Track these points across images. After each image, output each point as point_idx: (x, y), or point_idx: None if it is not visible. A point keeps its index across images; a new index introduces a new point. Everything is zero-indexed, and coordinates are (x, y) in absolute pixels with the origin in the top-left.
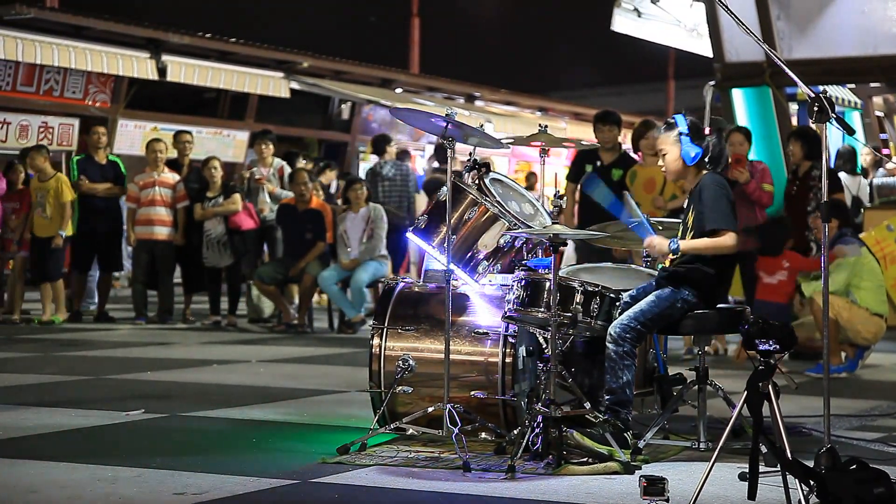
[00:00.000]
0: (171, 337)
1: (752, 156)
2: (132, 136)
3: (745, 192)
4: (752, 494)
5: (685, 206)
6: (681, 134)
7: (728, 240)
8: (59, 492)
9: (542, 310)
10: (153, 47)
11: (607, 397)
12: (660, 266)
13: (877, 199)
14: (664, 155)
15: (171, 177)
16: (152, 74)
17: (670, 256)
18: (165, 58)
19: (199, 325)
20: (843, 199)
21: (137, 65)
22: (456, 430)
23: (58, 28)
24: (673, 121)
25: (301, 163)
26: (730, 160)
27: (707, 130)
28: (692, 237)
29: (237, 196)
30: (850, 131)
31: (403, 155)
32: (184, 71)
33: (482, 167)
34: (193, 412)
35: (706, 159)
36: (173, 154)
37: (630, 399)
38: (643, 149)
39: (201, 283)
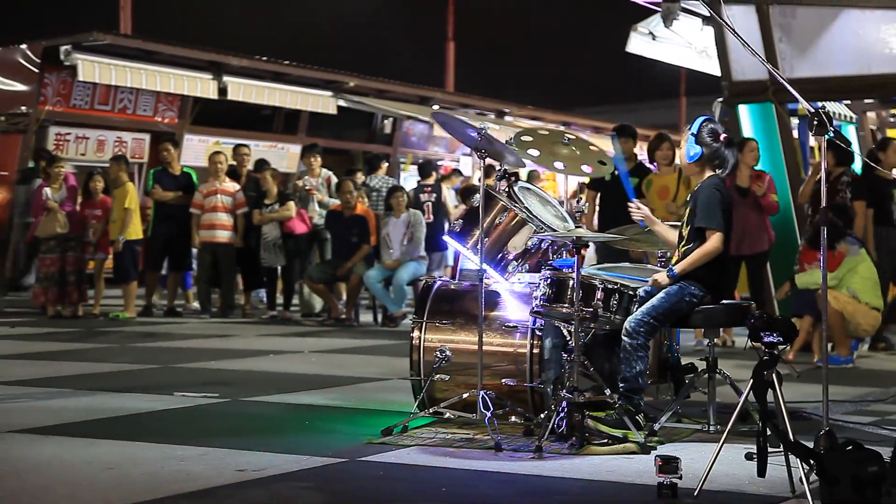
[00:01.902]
0: (232, 330)
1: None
2: (196, 149)
3: (760, 204)
4: (761, 472)
5: (686, 201)
6: (690, 133)
7: (712, 243)
8: (134, 468)
9: (567, 305)
10: (215, 69)
11: (622, 385)
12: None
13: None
14: (680, 148)
15: (231, 186)
16: (214, 94)
17: (677, 255)
18: (226, 79)
19: (257, 319)
20: (861, 205)
21: (201, 85)
22: (488, 414)
23: (131, 52)
24: (696, 120)
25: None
26: (750, 175)
27: (722, 137)
28: (687, 231)
29: (291, 203)
30: (846, 143)
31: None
32: (242, 90)
33: (512, 176)
34: (252, 397)
35: (705, 161)
36: (233, 165)
37: (642, 387)
38: (658, 159)
39: (259, 282)
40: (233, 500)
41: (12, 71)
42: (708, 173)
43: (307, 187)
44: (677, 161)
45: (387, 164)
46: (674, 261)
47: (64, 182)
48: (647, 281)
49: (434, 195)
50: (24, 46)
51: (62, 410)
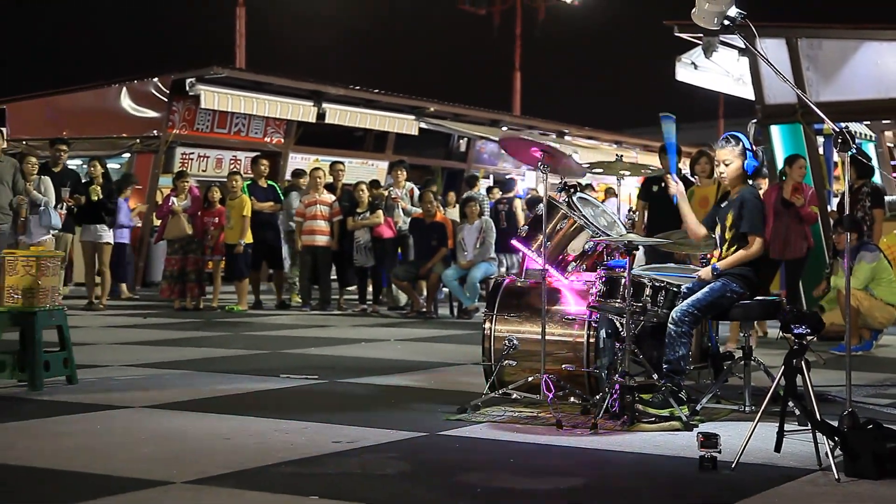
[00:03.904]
0: (329, 321)
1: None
2: (299, 165)
3: (800, 214)
4: (777, 448)
5: (723, 205)
6: (745, 149)
7: (754, 247)
8: (247, 438)
9: (619, 301)
10: (316, 97)
11: (665, 366)
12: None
13: (887, 212)
14: (728, 164)
15: (328, 197)
16: (314, 118)
17: (717, 255)
18: (325, 105)
19: (350, 311)
20: (880, 213)
21: (303, 110)
22: (550, 395)
23: (244, 83)
24: (738, 137)
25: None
26: (791, 186)
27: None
28: (731, 234)
29: (380, 212)
30: (867, 159)
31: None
32: (339, 115)
33: (571, 188)
34: (346, 379)
35: (756, 173)
36: (330, 179)
37: (684, 370)
38: (698, 173)
39: (352, 279)
40: (329, 467)
41: (146, 100)
42: (741, 184)
43: (392, 196)
44: (716, 174)
45: (480, 182)
46: (714, 260)
47: (189, 193)
48: (691, 277)
49: (507, 206)
50: (155, 79)
51: (187, 389)
